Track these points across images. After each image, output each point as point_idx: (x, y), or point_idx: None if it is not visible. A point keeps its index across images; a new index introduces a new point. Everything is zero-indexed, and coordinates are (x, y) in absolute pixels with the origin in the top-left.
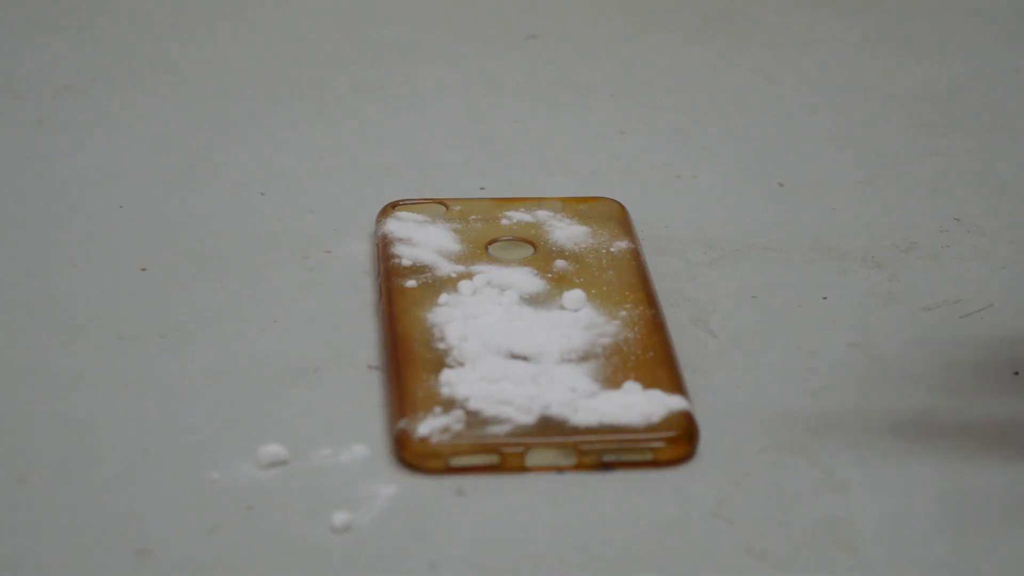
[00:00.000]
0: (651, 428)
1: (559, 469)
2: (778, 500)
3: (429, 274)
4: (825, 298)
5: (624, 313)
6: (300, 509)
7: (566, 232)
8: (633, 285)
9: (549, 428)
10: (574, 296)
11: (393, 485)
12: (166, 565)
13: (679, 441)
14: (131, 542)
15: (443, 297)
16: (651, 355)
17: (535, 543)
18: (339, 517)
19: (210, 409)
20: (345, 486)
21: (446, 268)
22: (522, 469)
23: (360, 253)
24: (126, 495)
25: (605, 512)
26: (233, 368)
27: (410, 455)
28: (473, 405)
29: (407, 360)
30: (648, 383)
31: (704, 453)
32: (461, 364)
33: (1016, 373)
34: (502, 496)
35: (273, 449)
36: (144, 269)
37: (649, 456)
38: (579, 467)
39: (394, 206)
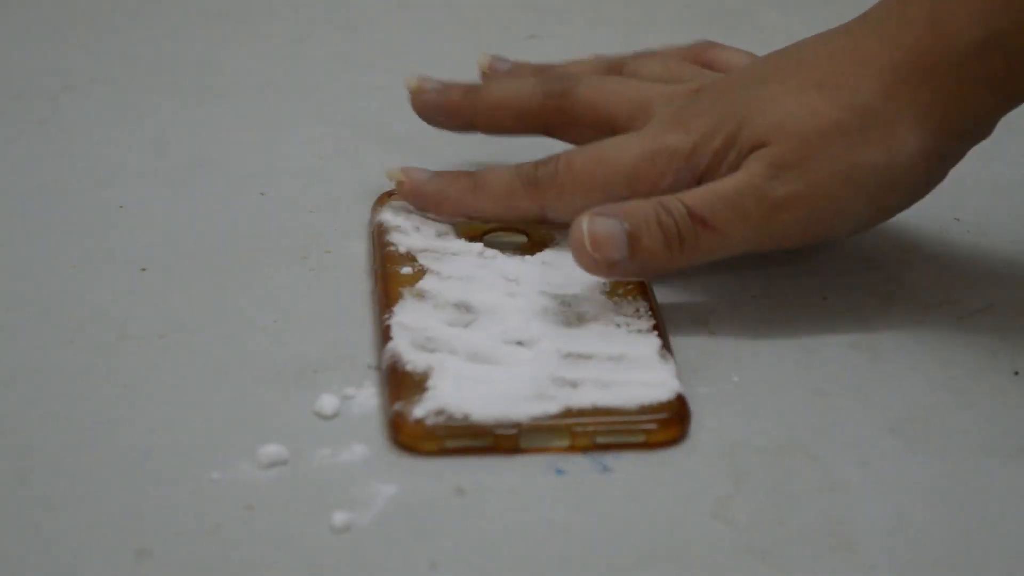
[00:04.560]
0: (643, 410)
1: (552, 451)
2: (778, 500)
3: (424, 262)
4: (825, 298)
5: (618, 298)
6: (300, 509)
7: None
8: None
9: (543, 411)
10: None
11: (393, 485)
12: (166, 565)
13: (671, 423)
14: (131, 542)
15: (437, 281)
16: (645, 340)
17: (535, 543)
18: (339, 517)
19: (210, 409)
20: (345, 486)
21: (441, 256)
22: (516, 451)
23: (360, 253)
24: (126, 495)
25: (605, 512)
26: (233, 368)
27: (405, 437)
28: (468, 388)
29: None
30: (642, 367)
31: (704, 453)
32: (455, 349)
33: (1016, 373)
34: (502, 496)
35: (273, 449)
36: (144, 269)
37: (642, 438)
38: (572, 449)
39: (389, 195)
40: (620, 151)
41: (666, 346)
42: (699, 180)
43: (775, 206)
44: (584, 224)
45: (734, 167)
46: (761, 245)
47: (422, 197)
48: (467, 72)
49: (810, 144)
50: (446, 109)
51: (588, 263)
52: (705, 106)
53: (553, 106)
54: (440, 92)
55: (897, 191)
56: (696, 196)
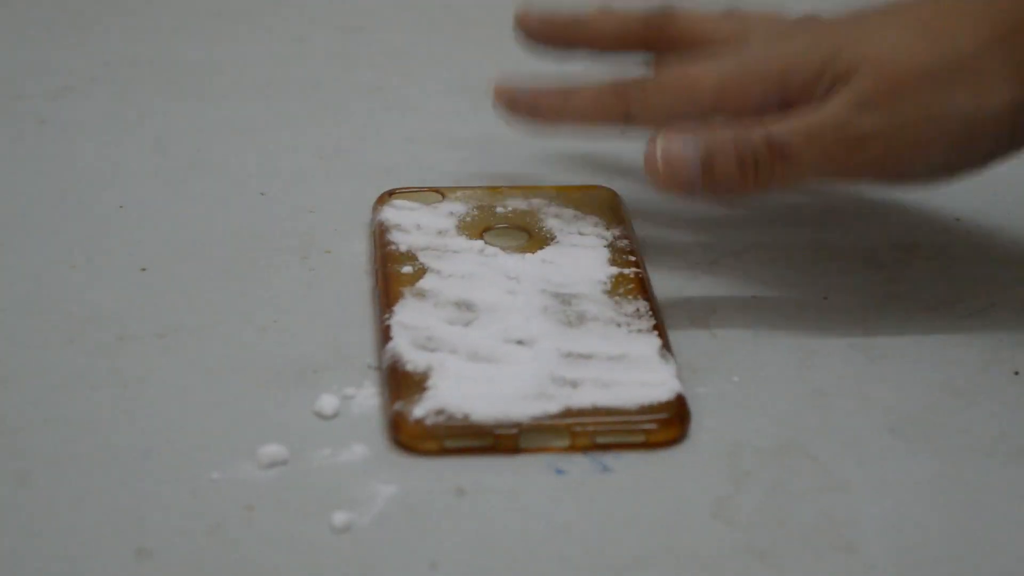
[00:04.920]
0: (643, 410)
1: (552, 451)
2: (778, 500)
3: (424, 260)
4: (825, 298)
5: (618, 298)
6: (300, 509)
7: (561, 219)
8: (625, 274)
9: (543, 411)
10: None
11: (393, 485)
12: (166, 565)
13: (671, 423)
14: (131, 542)
15: (437, 280)
16: (645, 340)
17: (535, 543)
18: (339, 517)
19: (210, 409)
20: (345, 486)
21: (442, 254)
22: (516, 451)
23: (360, 253)
24: (126, 495)
25: (605, 512)
26: (233, 368)
27: (405, 437)
28: (468, 388)
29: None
30: (642, 367)
31: (704, 453)
32: (455, 348)
33: (1016, 373)
34: (502, 496)
35: (273, 449)
36: (144, 269)
37: (642, 438)
38: (572, 449)
39: (391, 194)
40: (710, 66)
41: (666, 346)
42: (786, 105)
43: (855, 141)
44: (659, 142)
45: (822, 98)
46: (835, 178)
47: (515, 103)
48: (468, 73)
49: (898, 82)
50: (550, 30)
51: (659, 181)
52: (801, 34)
53: (656, 23)
54: (547, 13)
55: (980, 141)
56: (777, 125)
